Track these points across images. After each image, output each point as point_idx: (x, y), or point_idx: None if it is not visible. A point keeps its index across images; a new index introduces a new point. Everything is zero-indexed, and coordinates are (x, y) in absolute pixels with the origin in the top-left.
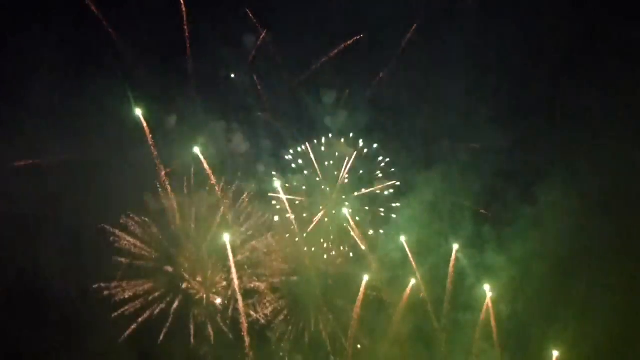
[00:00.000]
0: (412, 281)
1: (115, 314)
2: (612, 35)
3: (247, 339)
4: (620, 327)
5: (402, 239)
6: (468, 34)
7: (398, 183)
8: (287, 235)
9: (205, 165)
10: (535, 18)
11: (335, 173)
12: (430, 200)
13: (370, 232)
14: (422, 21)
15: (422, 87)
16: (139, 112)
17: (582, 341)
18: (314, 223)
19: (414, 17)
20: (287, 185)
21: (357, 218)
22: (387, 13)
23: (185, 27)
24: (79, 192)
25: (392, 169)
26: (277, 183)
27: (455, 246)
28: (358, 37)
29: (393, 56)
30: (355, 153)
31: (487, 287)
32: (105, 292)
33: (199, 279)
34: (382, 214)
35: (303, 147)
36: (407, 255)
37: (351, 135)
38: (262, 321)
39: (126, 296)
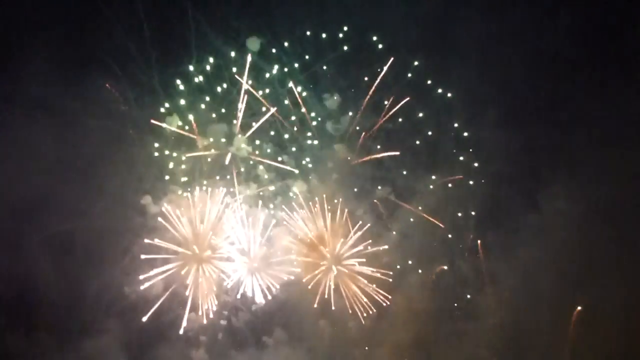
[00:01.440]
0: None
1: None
2: (616, 40)
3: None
4: (623, 334)
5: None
6: (470, 37)
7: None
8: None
9: None
10: (538, 22)
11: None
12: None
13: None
14: (422, 23)
15: (422, 90)
16: None
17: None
18: None
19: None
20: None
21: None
22: (388, 14)
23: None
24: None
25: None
26: None
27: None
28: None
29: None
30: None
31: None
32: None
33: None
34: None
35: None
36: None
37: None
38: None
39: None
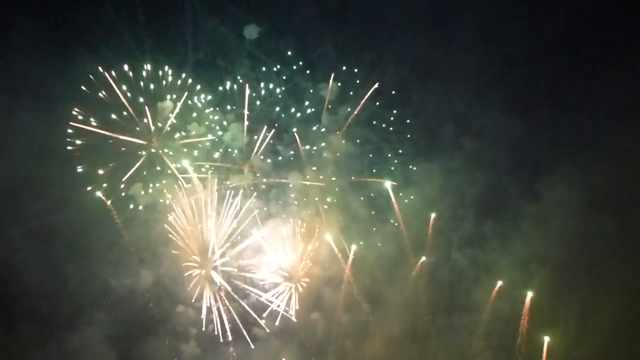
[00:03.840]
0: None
1: None
2: (619, 30)
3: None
4: (622, 329)
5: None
6: (474, 27)
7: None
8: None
9: None
10: (541, 12)
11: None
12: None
13: None
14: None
15: (425, 80)
16: None
17: (582, 343)
18: None
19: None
20: None
21: None
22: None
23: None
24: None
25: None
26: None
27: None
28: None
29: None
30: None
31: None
32: None
33: None
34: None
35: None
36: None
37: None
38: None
39: None
